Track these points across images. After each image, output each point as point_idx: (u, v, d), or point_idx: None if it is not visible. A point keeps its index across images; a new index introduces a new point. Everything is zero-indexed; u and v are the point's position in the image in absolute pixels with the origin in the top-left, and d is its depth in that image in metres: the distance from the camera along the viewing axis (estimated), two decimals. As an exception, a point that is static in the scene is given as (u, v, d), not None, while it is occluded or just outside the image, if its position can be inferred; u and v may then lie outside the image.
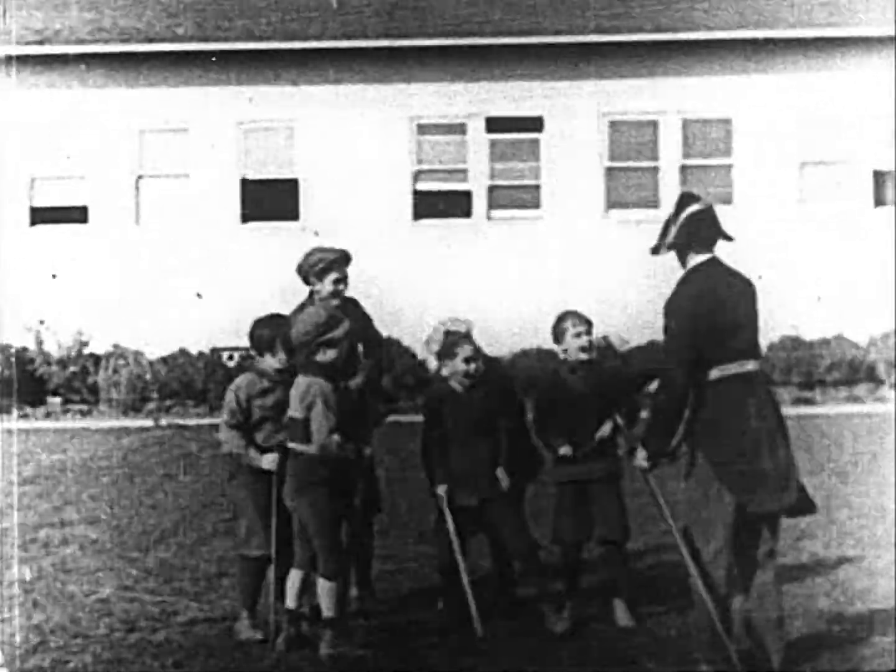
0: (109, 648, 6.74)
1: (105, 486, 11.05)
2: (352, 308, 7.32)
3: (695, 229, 6.26)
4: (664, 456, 6.14)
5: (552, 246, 17.36)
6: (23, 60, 17.09)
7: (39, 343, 16.81)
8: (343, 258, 7.34)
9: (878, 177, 17.45)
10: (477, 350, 7.16)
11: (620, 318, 15.70)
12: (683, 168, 17.64)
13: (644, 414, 6.86)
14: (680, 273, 6.36)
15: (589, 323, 7.11)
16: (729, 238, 6.29)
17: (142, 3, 17.64)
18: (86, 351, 16.89)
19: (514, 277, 17.08)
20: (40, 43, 17.17)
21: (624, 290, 16.12)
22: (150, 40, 17.27)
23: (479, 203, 17.69)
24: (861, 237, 16.96)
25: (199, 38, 17.30)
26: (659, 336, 6.69)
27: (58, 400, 16.49)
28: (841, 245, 17.06)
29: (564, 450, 6.98)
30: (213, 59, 17.13)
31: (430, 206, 17.66)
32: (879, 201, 17.45)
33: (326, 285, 7.30)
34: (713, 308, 6.15)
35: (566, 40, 17.28)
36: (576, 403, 7.03)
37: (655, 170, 17.69)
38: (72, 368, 16.69)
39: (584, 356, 7.06)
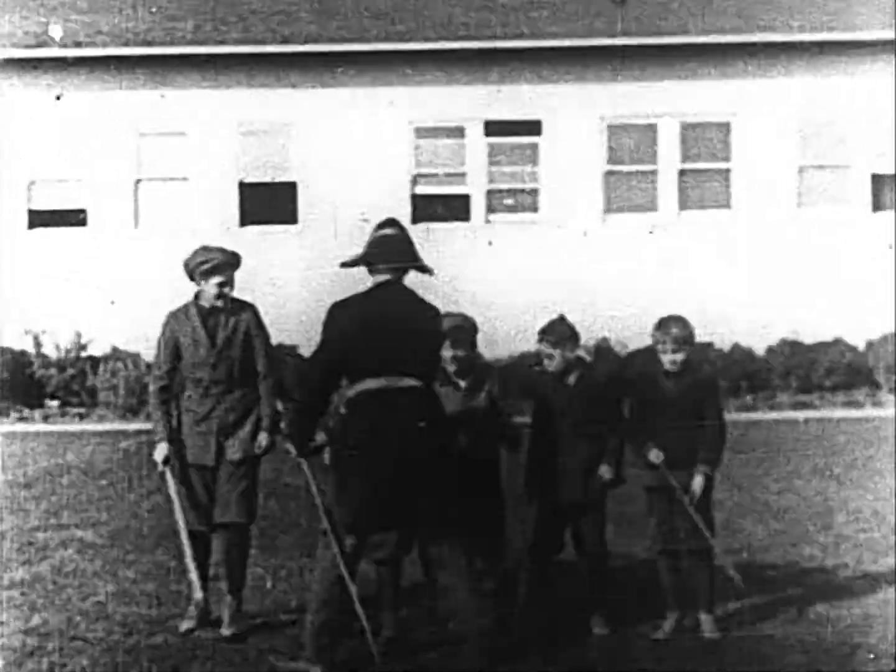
0: (107, 652, 6.73)
1: (103, 490, 11.04)
2: None
3: (380, 251, 6.56)
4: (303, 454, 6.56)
5: (550, 249, 17.36)
6: (21, 63, 17.10)
7: (37, 346, 16.80)
8: (231, 261, 7.31)
9: (877, 181, 17.46)
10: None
11: (618, 321, 15.69)
12: (682, 172, 17.65)
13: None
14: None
15: (687, 336, 7.00)
16: (426, 270, 6.61)
17: (140, 6, 17.63)
18: (84, 354, 16.88)
19: (513, 281, 17.08)
20: (38, 46, 17.16)
21: (622, 294, 16.11)
22: (149, 43, 17.27)
23: (478, 207, 17.70)
24: (859, 241, 16.96)
25: (197, 41, 17.30)
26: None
27: (56, 403, 16.48)
28: (839, 249, 17.06)
29: (654, 455, 6.92)
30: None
31: (428, 209, 17.66)
32: (878, 206, 17.45)
33: (210, 287, 7.26)
34: (365, 325, 6.38)
35: (565, 44, 17.29)
36: (668, 409, 6.95)
37: (654, 174, 17.70)
38: (70, 371, 16.68)
39: (671, 368, 6.99)
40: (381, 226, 6.74)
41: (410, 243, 6.67)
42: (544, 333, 7.10)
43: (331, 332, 6.42)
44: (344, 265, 6.64)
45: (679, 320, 7.02)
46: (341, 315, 6.43)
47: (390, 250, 6.59)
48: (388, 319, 6.43)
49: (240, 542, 7.22)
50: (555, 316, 7.21)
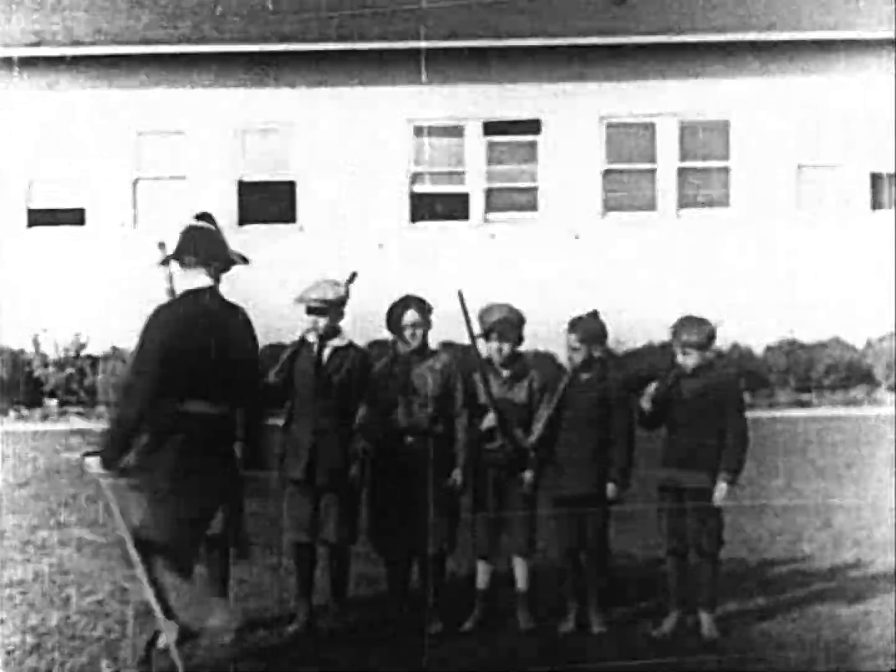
0: (106, 650, 6.73)
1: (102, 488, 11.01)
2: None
3: (191, 246, 6.28)
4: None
5: (549, 248, 17.35)
6: (20, 62, 17.08)
7: (37, 345, 16.79)
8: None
9: (876, 180, 17.45)
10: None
11: (616, 321, 15.66)
12: (681, 171, 17.64)
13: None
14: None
15: (708, 334, 6.97)
16: (244, 260, 6.42)
17: (139, 5, 17.62)
18: (83, 353, 16.87)
19: (512, 280, 17.06)
20: (37, 45, 17.16)
21: (620, 293, 16.10)
22: (147, 42, 17.25)
23: (477, 205, 17.69)
24: (858, 240, 16.95)
25: (195, 40, 17.29)
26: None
27: (55, 402, 16.47)
28: (838, 248, 17.06)
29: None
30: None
31: (427, 208, 17.65)
32: (877, 204, 17.45)
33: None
34: (186, 340, 5.98)
35: (564, 43, 17.28)
36: (683, 409, 6.90)
37: (653, 172, 17.69)
38: (69, 370, 16.67)
39: (691, 365, 6.93)
40: (194, 218, 6.42)
41: (222, 240, 6.39)
42: (573, 327, 7.12)
43: (149, 349, 6.10)
44: (164, 262, 6.32)
45: (699, 321, 7.01)
46: (160, 329, 6.10)
47: (205, 248, 6.27)
48: (206, 338, 6.02)
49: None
50: (588, 311, 7.25)
